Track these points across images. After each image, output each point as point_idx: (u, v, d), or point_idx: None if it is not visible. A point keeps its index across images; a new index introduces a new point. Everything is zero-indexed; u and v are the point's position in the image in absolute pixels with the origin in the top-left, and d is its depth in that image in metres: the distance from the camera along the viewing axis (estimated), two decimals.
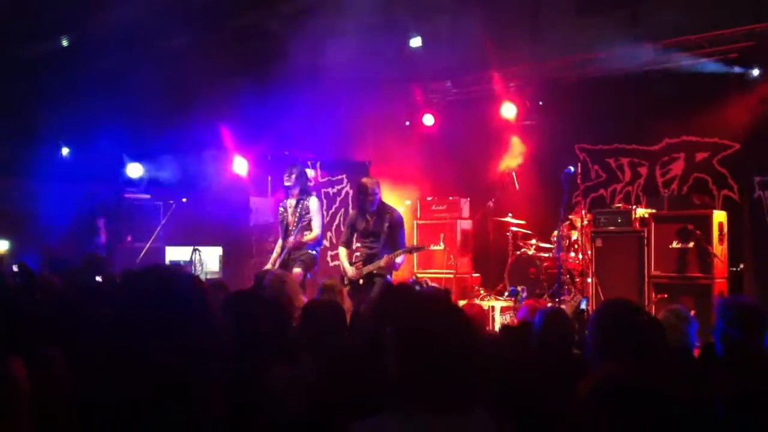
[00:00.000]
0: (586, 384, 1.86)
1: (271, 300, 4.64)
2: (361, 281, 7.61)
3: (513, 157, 11.37)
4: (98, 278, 5.48)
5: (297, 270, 7.80)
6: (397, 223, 7.75)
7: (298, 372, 3.44)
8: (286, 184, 8.14)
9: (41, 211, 11.68)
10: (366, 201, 7.75)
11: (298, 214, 8.02)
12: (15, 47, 12.08)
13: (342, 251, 8.03)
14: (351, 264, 7.82)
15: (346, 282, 7.72)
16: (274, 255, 8.18)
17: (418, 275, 10.15)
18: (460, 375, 2.07)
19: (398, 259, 7.62)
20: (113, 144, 13.24)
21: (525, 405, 3.16)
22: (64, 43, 12.10)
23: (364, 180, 7.98)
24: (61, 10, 10.73)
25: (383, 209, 7.79)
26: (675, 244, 8.51)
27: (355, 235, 8.02)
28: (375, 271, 7.58)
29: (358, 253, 8.06)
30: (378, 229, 7.70)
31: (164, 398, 1.52)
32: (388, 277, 7.63)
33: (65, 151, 13.98)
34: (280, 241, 8.23)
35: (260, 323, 3.55)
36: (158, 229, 9.89)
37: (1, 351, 3.07)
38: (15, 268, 7.09)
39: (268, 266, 7.98)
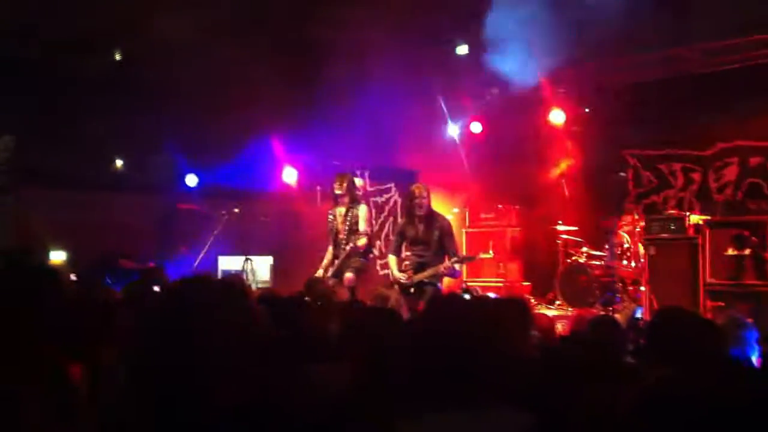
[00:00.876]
0: (635, 389, 1.83)
1: (315, 306, 4.69)
2: (411, 289, 7.61)
3: (562, 163, 11.28)
4: (156, 288, 5.60)
5: (349, 275, 7.84)
6: (446, 232, 7.75)
7: (336, 376, 3.47)
8: (337, 192, 8.20)
9: (95, 222, 11.91)
10: (412, 205, 7.78)
11: (348, 223, 8.07)
12: (66, 61, 12.37)
13: (391, 259, 8.06)
14: (400, 272, 7.84)
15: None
16: (325, 262, 8.24)
17: (468, 284, 10.11)
18: (480, 373, 2.08)
19: (457, 267, 7.64)
20: (165, 155, 13.47)
21: (573, 414, 3.13)
22: (117, 57, 12.35)
23: (413, 186, 8.03)
24: (112, 25, 10.98)
25: (433, 217, 7.80)
26: (730, 251, 8.33)
27: (405, 244, 8.04)
28: (426, 280, 7.58)
29: (407, 262, 8.07)
30: (428, 238, 7.70)
31: (190, 399, 1.55)
32: (439, 285, 7.64)
33: (118, 163, 14.25)
34: (330, 249, 8.28)
35: (304, 327, 3.59)
36: (211, 239, 10.02)
37: (61, 358, 3.14)
38: (73, 278, 7.29)
39: (320, 273, 8.05)
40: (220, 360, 1.59)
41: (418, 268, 7.70)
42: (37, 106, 11.93)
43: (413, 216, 7.81)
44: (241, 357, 1.63)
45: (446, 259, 7.61)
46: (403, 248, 8.09)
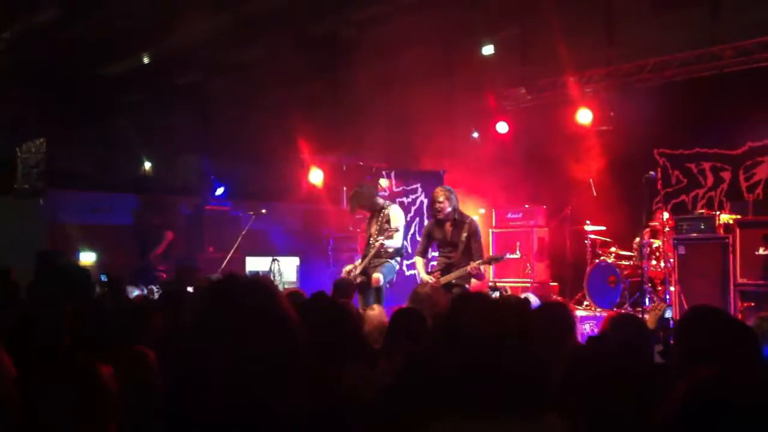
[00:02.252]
0: (677, 392, 1.79)
1: (346, 306, 4.69)
2: None
3: (590, 163, 11.18)
4: (190, 288, 5.64)
5: (376, 276, 7.83)
6: (474, 234, 7.72)
7: (373, 374, 3.47)
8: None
9: (125, 223, 12.04)
10: (434, 209, 7.78)
11: (379, 224, 8.07)
12: (97, 65, 12.54)
13: (418, 261, 8.06)
14: (428, 273, 7.83)
15: None
16: (358, 262, 8.23)
17: (497, 283, 10.05)
18: (518, 379, 2.04)
19: (482, 268, 7.62)
20: (193, 157, 13.58)
21: (599, 415, 3.10)
22: (145, 60, 12.47)
23: (436, 189, 8.01)
24: (140, 28, 11.09)
25: (461, 219, 7.77)
26: (761, 251, 8.22)
27: (432, 245, 8.02)
28: (454, 281, 7.56)
29: (435, 263, 8.06)
30: (456, 239, 7.68)
31: (246, 403, 1.54)
32: (467, 286, 7.61)
33: (147, 165, 14.40)
34: (366, 249, 8.29)
35: (336, 327, 3.59)
36: (239, 239, 10.08)
37: (90, 358, 3.17)
38: (103, 278, 7.38)
39: (348, 268, 8.10)
40: (266, 362, 1.58)
41: (446, 269, 7.69)
42: (68, 109, 12.08)
43: (435, 217, 7.82)
44: (292, 362, 1.62)
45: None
46: (431, 249, 8.09)
